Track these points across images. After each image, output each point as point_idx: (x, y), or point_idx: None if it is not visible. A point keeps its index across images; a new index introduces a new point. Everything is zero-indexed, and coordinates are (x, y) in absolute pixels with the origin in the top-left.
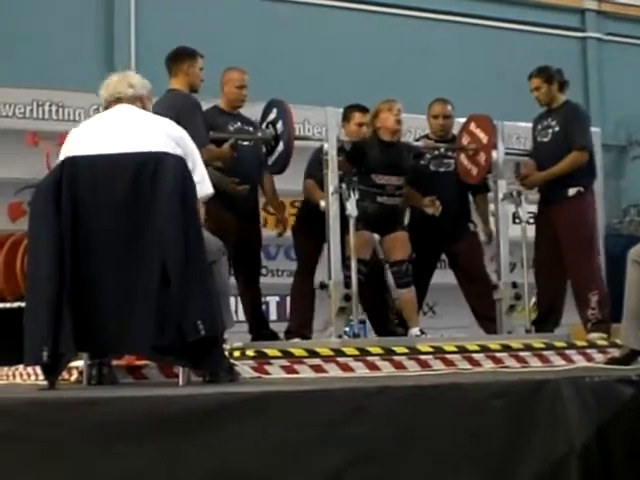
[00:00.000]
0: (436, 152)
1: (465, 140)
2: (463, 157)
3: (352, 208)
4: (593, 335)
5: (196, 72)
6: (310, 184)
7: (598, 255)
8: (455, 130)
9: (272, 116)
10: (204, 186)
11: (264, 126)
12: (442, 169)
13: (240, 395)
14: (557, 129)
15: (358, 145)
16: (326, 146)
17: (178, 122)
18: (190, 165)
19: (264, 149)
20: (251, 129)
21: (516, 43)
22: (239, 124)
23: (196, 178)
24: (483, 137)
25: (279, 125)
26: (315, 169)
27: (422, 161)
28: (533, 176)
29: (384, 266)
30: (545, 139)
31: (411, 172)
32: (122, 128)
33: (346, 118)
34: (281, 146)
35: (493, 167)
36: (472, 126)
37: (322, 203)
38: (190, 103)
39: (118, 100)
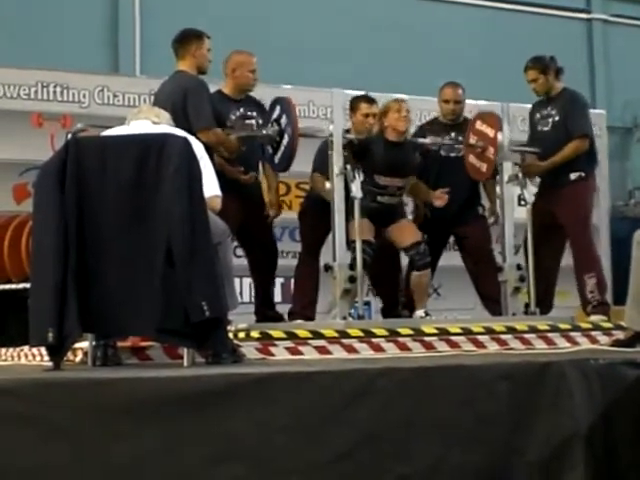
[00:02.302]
0: (447, 137)
1: (473, 140)
2: (471, 156)
3: (357, 190)
4: (593, 317)
5: (204, 54)
6: (317, 178)
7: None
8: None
9: (276, 113)
10: (212, 186)
11: (269, 124)
12: (453, 154)
13: (245, 376)
14: (557, 118)
15: (364, 143)
16: (331, 128)
17: (185, 102)
18: (201, 165)
19: (269, 147)
20: (254, 114)
21: (521, 24)
22: (242, 110)
23: (205, 179)
24: (490, 132)
25: (283, 121)
26: (322, 163)
27: (434, 146)
28: (535, 165)
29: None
30: (546, 128)
31: (417, 170)
32: (133, 127)
33: (353, 108)
34: (286, 140)
35: (499, 150)
36: (478, 124)
37: (327, 185)
38: (197, 83)
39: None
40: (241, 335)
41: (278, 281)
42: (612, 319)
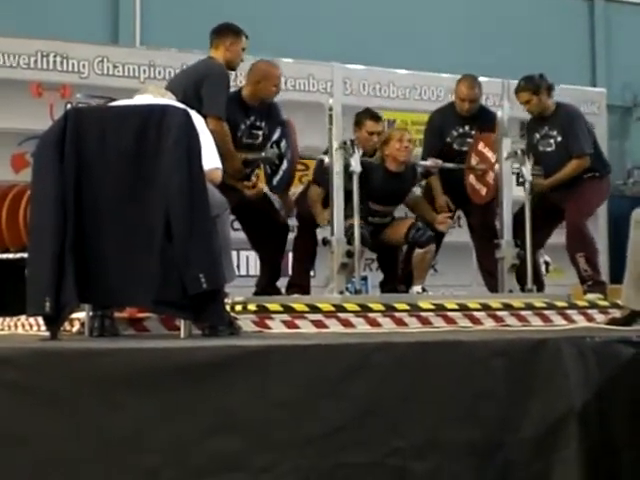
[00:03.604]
0: (461, 130)
1: (474, 160)
2: (472, 177)
3: (356, 164)
4: (590, 296)
5: (237, 50)
6: (314, 195)
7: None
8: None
9: (276, 136)
10: (212, 159)
11: (269, 146)
12: (465, 148)
13: (241, 349)
14: (559, 139)
15: (362, 173)
16: (331, 101)
17: (201, 85)
18: (202, 139)
19: (268, 169)
20: (263, 124)
21: (523, 2)
22: (252, 119)
23: (205, 152)
24: (491, 157)
25: (283, 145)
26: (322, 177)
27: (448, 138)
28: (538, 184)
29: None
30: (549, 149)
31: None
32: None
33: (358, 123)
34: (285, 165)
35: (498, 125)
36: (480, 146)
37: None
38: (220, 72)
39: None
40: (238, 308)
41: None
42: (609, 297)
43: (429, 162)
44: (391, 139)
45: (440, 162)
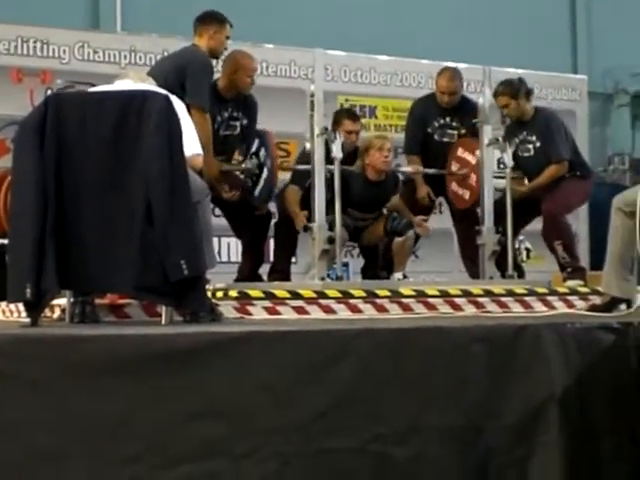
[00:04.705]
0: (442, 121)
1: (455, 167)
2: (454, 184)
3: (337, 150)
4: (569, 282)
5: (221, 39)
6: (291, 196)
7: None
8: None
9: (255, 146)
10: (193, 145)
11: (248, 157)
12: (446, 139)
13: (222, 335)
14: (538, 144)
15: (344, 177)
16: (312, 88)
17: (183, 72)
18: (182, 124)
19: (249, 181)
20: (240, 114)
21: None
22: (230, 110)
23: (187, 137)
24: (471, 159)
25: (262, 154)
26: (300, 176)
27: (429, 129)
28: (515, 190)
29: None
30: (527, 154)
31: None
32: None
33: (336, 123)
34: (265, 174)
35: (479, 112)
36: (459, 152)
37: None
38: (204, 61)
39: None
40: (219, 294)
41: None
42: (589, 284)
43: (409, 168)
44: (371, 147)
45: (421, 168)
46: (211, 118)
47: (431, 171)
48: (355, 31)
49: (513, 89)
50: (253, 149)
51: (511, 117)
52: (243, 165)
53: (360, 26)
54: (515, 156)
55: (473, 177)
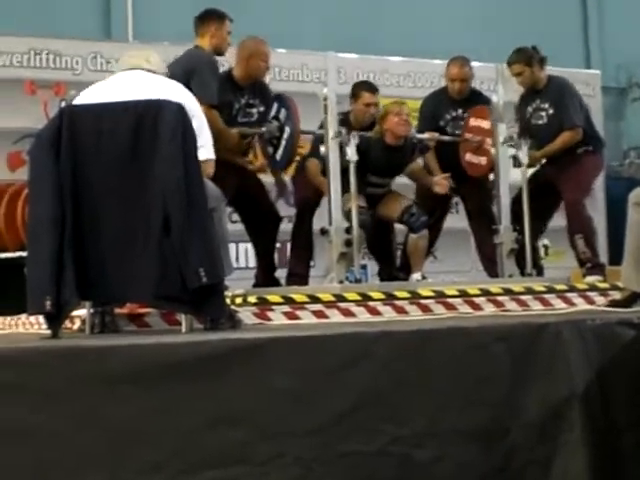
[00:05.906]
0: (454, 114)
1: (468, 136)
2: (468, 155)
3: (352, 153)
4: (589, 278)
5: (223, 35)
6: (313, 164)
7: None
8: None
9: (274, 110)
10: (205, 150)
11: (269, 120)
12: (458, 131)
13: (243, 342)
14: (551, 111)
15: (362, 147)
16: (325, 91)
17: (191, 76)
18: (195, 125)
19: (270, 148)
20: (257, 101)
21: None
22: (246, 98)
23: (200, 142)
24: (484, 124)
25: (282, 115)
26: (318, 150)
27: (441, 122)
28: (530, 156)
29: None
30: (540, 122)
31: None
32: (126, 83)
33: (354, 96)
34: (287, 133)
35: (493, 110)
36: (472, 121)
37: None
38: (208, 61)
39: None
40: (238, 301)
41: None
42: (608, 279)
43: (426, 135)
44: (389, 113)
45: (437, 135)
46: (228, 106)
47: (446, 138)
48: (367, 33)
49: (527, 56)
50: (272, 113)
51: (525, 86)
52: (263, 128)
53: (372, 28)
54: (528, 124)
55: (488, 141)
